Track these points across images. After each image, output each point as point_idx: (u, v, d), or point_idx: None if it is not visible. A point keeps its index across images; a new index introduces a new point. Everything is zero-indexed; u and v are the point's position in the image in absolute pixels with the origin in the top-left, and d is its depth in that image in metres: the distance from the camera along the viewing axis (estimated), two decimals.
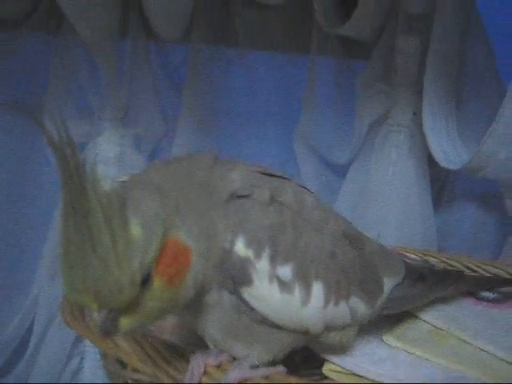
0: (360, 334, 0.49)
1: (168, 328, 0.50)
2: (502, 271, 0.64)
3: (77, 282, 0.34)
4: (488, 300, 0.57)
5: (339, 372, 0.47)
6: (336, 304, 0.44)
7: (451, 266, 0.65)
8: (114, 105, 0.82)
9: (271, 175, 0.45)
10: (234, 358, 0.44)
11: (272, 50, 0.81)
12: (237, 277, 0.40)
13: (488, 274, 0.64)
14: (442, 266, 0.64)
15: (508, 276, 0.63)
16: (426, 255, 0.67)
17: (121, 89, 0.82)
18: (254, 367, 0.43)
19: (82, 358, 0.86)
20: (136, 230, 0.35)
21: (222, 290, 0.41)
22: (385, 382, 0.45)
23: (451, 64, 0.73)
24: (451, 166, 0.73)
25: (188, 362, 0.44)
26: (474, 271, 0.64)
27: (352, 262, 0.46)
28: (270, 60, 0.82)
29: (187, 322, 0.44)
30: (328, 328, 0.45)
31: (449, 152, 0.74)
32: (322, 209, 0.46)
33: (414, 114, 0.78)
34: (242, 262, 0.40)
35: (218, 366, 0.43)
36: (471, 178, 0.76)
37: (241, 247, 0.40)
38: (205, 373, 0.43)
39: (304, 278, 0.42)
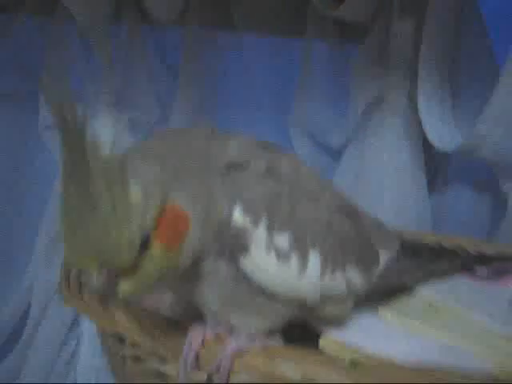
0: (356, 308, 0.49)
1: (166, 303, 0.50)
2: (496, 251, 0.64)
3: (77, 245, 0.35)
4: (483, 276, 0.58)
5: (335, 345, 0.47)
6: (332, 274, 0.44)
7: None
8: (109, 89, 0.82)
9: (268, 147, 0.45)
10: (232, 330, 0.44)
11: (267, 33, 0.81)
12: (234, 245, 0.41)
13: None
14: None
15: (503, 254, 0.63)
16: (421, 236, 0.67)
17: (115, 73, 0.82)
18: (252, 338, 0.43)
19: (79, 342, 0.86)
20: (135, 194, 0.35)
21: (219, 259, 0.41)
22: (381, 355, 0.45)
23: (446, 47, 0.73)
24: (446, 149, 0.74)
25: (186, 335, 0.44)
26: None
27: (348, 233, 0.46)
28: (265, 43, 0.82)
29: (185, 293, 0.44)
30: (324, 299, 0.45)
31: (444, 135, 0.74)
32: (319, 180, 0.47)
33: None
34: (239, 231, 0.41)
35: (216, 338, 0.44)
36: (466, 160, 0.76)
37: (238, 216, 0.41)
38: (203, 344, 0.43)
39: (301, 247, 0.43)
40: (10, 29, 0.82)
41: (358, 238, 0.47)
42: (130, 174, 0.35)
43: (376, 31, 0.78)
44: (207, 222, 0.39)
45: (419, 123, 0.75)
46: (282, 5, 0.80)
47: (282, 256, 0.42)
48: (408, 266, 0.51)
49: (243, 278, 0.41)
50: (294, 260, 0.42)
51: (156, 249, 0.37)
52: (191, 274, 0.41)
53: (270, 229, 0.41)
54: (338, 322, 0.48)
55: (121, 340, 0.49)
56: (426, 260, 0.53)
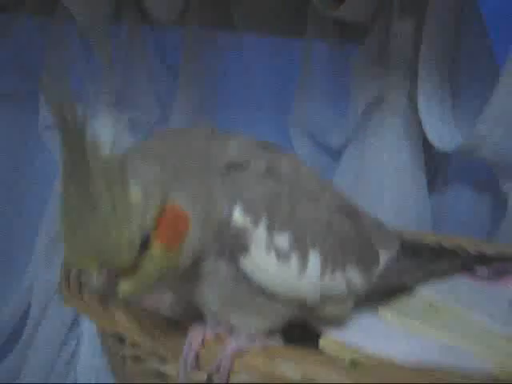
0: (356, 308, 0.49)
1: (166, 303, 0.50)
2: (496, 251, 0.64)
3: (77, 245, 0.35)
4: (483, 276, 0.58)
5: (335, 345, 0.47)
6: (332, 274, 0.44)
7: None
8: (109, 89, 0.82)
9: (268, 147, 0.45)
10: (232, 330, 0.44)
11: (267, 33, 0.81)
12: (234, 245, 0.41)
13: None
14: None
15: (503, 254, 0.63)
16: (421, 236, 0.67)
17: (115, 73, 0.82)
18: (252, 338, 0.43)
19: (79, 342, 0.86)
20: (135, 194, 0.35)
21: (219, 259, 0.41)
22: (381, 355, 0.45)
23: (446, 47, 0.73)
24: (446, 149, 0.74)
25: (186, 335, 0.44)
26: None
27: (348, 233, 0.46)
28: (265, 43, 0.82)
29: (185, 293, 0.44)
30: (324, 299, 0.45)
31: (444, 135, 0.74)
32: (319, 181, 0.47)
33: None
34: (239, 231, 0.41)
35: (216, 338, 0.44)
36: (466, 160, 0.77)
37: (238, 216, 0.41)
38: (203, 344, 0.43)
39: (301, 247, 0.43)
40: (10, 29, 0.82)
41: (358, 237, 0.47)
42: (130, 174, 0.35)
43: (376, 31, 0.78)
44: (207, 221, 0.39)
45: (419, 123, 0.75)
46: (282, 5, 0.80)
47: (282, 256, 0.42)
48: (408, 266, 0.51)
49: (243, 278, 0.41)
50: (294, 260, 0.42)
51: (156, 249, 0.37)
52: (191, 274, 0.41)
53: (270, 229, 0.41)
54: (338, 322, 0.48)
55: (121, 340, 0.49)
56: (426, 260, 0.53)
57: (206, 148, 0.42)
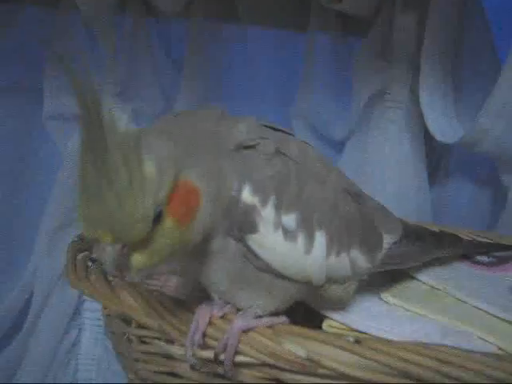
0: (359, 292, 0.50)
1: (173, 285, 0.50)
2: (496, 242, 0.65)
3: (93, 217, 0.35)
4: (483, 263, 0.58)
5: (338, 328, 0.48)
6: (337, 254, 0.45)
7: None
8: (113, 80, 0.82)
9: (277, 129, 0.46)
10: (238, 310, 0.45)
11: (271, 26, 0.82)
12: (243, 224, 0.41)
13: None
14: None
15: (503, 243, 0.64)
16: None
17: (119, 64, 0.82)
18: (258, 317, 0.44)
19: (80, 331, 0.86)
20: (150, 169, 0.36)
21: (227, 238, 0.42)
22: (384, 336, 0.46)
23: (449, 41, 0.74)
24: (447, 141, 0.74)
25: (193, 314, 0.45)
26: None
27: (353, 216, 0.47)
28: (269, 35, 0.82)
29: (193, 272, 0.45)
30: (329, 279, 0.46)
31: (445, 127, 0.75)
32: (325, 163, 0.48)
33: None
34: (247, 210, 0.41)
35: (223, 317, 0.44)
36: (467, 153, 0.77)
37: (247, 195, 0.41)
38: (209, 323, 0.44)
39: (307, 227, 0.43)
40: (15, 19, 0.83)
41: (363, 220, 0.48)
42: (145, 150, 0.36)
43: (379, 25, 0.78)
44: (218, 198, 0.40)
45: (421, 116, 0.76)
46: None
47: (289, 235, 0.43)
48: (411, 251, 0.52)
49: (251, 257, 0.42)
50: (301, 239, 0.43)
51: (168, 223, 0.37)
52: (200, 251, 0.42)
53: (278, 208, 0.42)
54: (342, 304, 0.48)
55: (127, 321, 0.49)
56: (428, 244, 0.53)
57: (216, 128, 0.43)
